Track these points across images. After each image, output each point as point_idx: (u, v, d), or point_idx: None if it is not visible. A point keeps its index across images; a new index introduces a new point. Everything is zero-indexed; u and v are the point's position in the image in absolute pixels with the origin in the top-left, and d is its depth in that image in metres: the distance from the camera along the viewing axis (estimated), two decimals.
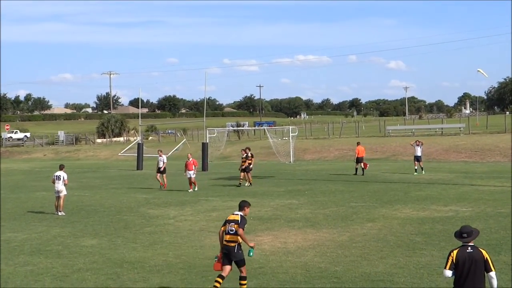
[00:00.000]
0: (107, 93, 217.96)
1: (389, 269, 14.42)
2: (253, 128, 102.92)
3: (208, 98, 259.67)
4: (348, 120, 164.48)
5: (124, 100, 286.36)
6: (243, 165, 34.37)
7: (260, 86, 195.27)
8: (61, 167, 26.27)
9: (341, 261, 15.42)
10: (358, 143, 41.82)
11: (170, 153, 58.95)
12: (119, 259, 16.40)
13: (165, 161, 35.23)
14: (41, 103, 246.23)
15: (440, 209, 23.38)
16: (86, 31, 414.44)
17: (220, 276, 12.54)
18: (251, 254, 12.64)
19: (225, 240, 12.48)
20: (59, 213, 25.22)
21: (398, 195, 27.95)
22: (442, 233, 18.54)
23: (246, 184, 34.18)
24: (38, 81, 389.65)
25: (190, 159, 32.68)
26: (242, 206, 12.80)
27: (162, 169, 34.70)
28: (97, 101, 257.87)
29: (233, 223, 12.40)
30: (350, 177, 37.18)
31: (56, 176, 25.72)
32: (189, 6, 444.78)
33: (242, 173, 34.48)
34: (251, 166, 34.67)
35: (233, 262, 12.54)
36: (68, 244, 18.83)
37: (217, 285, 12.44)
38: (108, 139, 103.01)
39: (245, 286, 12.65)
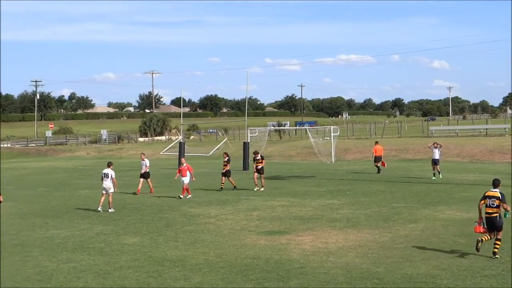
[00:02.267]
0: (149, 92, 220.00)
1: (431, 271, 14.25)
2: (294, 127, 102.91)
3: (250, 98, 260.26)
4: (390, 120, 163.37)
5: (166, 99, 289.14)
6: (223, 169, 32.89)
7: (301, 86, 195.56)
8: (109, 165, 26.61)
9: (383, 262, 15.28)
10: (376, 143, 43.29)
11: (211, 152, 59.26)
12: (161, 257, 16.48)
13: (148, 164, 32.73)
14: (85, 102, 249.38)
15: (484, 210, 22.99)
16: (129, 30, 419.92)
17: (486, 236, 15.61)
18: (507, 215, 16.30)
19: (487, 212, 15.58)
20: (109, 210, 25.58)
21: (441, 196, 27.65)
22: None
23: (255, 189, 32.21)
24: (82, 80, 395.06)
25: (184, 164, 30.10)
26: (498, 183, 15.72)
27: (144, 173, 32.46)
28: (139, 100, 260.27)
29: (494, 199, 15.42)
30: (392, 178, 36.87)
31: (104, 173, 26.06)
32: (231, 5, 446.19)
33: (223, 177, 32.77)
34: (260, 167, 32.67)
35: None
36: (110, 242, 18.99)
37: (485, 238, 15.53)
38: (150, 138, 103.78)
39: (499, 246, 15.48)
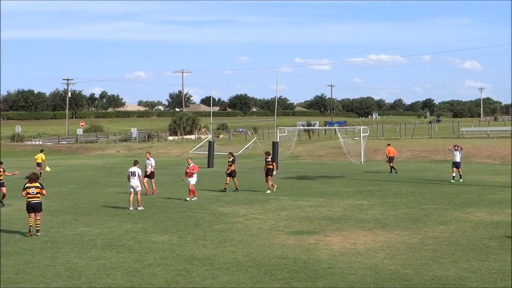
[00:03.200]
0: (179, 91, 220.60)
1: (460, 273, 14.13)
2: (324, 127, 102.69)
3: (279, 97, 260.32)
4: (420, 121, 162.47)
5: (196, 98, 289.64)
6: (228, 169, 31.76)
7: (331, 86, 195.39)
8: (135, 163, 26.83)
9: (412, 263, 15.19)
10: (388, 145, 46.15)
11: (240, 151, 59.32)
12: (189, 256, 16.54)
13: (153, 164, 31.73)
14: (115, 101, 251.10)
15: None
16: (160, 29, 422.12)
17: None
18: None
19: None
20: (139, 208, 25.70)
21: (471, 198, 27.41)
22: None
23: (267, 191, 31.11)
24: (113, 78, 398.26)
25: (191, 164, 28.85)
26: None
27: (149, 173, 31.36)
28: (169, 99, 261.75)
29: None
30: (422, 179, 36.62)
31: (131, 172, 26.24)
32: (261, 5, 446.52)
33: (228, 178, 31.89)
34: (271, 169, 31.66)
35: None
36: (139, 240, 19.10)
37: None
38: (179, 137, 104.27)
39: None
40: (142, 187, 26.40)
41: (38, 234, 20.15)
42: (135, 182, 26.05)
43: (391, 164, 43.14)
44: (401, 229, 19.92)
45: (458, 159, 35.46)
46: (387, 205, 25.57)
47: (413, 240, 18.18)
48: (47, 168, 45.00)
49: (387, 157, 44.26)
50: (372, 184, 34.59)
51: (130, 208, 25.72)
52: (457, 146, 36.37)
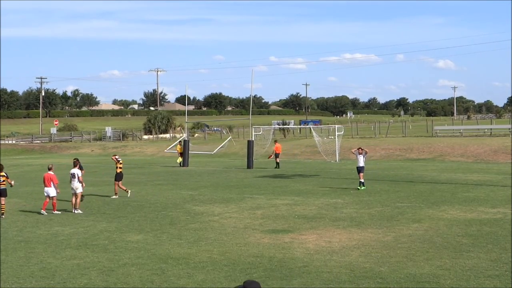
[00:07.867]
0: (154, 90, 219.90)
1: (434, 271, 14.24)
2: (299, 126, 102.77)
3: (254, 96, 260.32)
4: (395, 120, 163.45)
5: (171, 97, 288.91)
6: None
7: (306, 85, 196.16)
8: (75, 164, 25.98)
9: (386, 261, 15.27)
10: (275, 141, 52.27)
11: (216, 150, 59.23)
12: (164, 255, 16.50)
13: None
14: (89, 99, 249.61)
15: (488, 211, 23.02)
16: (135, 28, 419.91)
17: None
18: None
19: None
20: (75, 211, 24.86)
21: (445, 196, 27.62)
22: (490, 236, 18.26)
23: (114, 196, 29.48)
24: (88, 77, 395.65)
25: (50, 172, 24.88)
26: None
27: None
28: (144, 97, 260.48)
29: None
30: (396, 177, 36.84)
31: (71, 173, 25.56)
32: (237, 4, 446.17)
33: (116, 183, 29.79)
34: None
35: None
36: (114, 239, 19.01)
37: None
38: (154, 136, 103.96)
39: None
40: (81, 189, 25.42)
41: (3, 216, 23.59)
42: (75, 184, 25.33)
43: (277, 160, 48.09)
44: (375, 227, 20.02)
45: (361, 163, 31.60)
46: (362, 204, 25.69)
47: (388, 238, 18.29)
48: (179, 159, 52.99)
49: (273, 153, 49.33)
50: (346, 182, 34.73)
51: (74, 211, 24.96)
52: (361, 149, 32.36)
